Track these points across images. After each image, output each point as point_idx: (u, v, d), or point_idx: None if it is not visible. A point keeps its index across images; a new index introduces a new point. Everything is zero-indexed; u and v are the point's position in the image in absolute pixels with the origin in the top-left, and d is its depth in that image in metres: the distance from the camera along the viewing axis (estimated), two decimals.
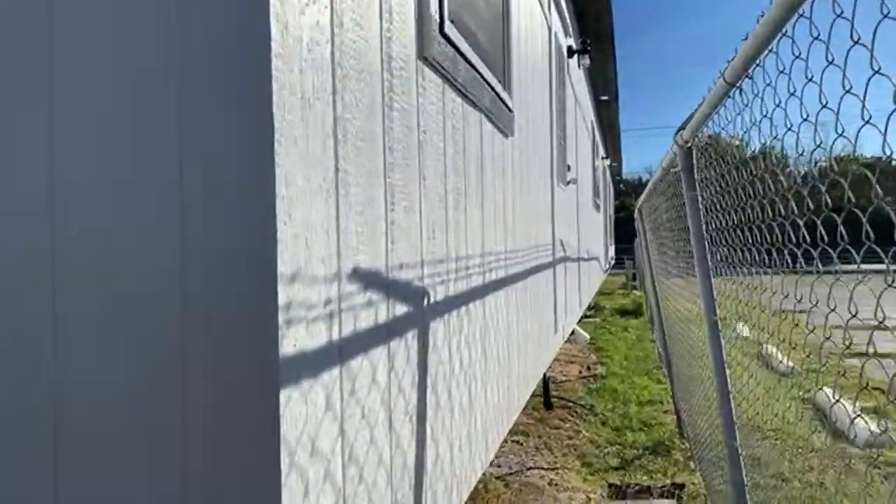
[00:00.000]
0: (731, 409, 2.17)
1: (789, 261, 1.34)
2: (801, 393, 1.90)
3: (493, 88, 2.40)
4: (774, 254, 1.41)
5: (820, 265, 1.18)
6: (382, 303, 1.35)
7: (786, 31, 1.13)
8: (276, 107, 0.95)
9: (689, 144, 2.22)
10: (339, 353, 1.15)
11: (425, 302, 1.63)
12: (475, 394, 2.12)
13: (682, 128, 2.29)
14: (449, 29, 1.81)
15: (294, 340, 0.98)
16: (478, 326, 2.17)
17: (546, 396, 4.57)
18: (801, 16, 1.05)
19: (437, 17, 1.72)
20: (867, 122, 0.87)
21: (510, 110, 2.77)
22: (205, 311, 0.96)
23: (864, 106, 0.87)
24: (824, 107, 1.00)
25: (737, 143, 1.78)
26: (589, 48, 5.99)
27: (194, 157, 0.98)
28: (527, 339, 3.24)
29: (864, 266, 1.00)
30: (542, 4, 4.10)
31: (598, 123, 11.15)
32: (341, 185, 1.18)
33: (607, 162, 14.20)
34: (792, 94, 1.10)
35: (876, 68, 0.80)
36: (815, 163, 1.18)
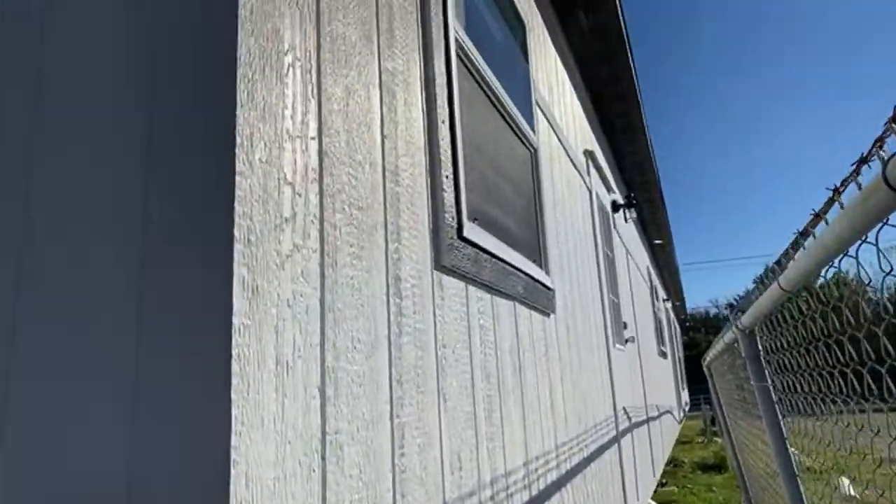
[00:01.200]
0: None
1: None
2: None
3: (526, 274, 2.26)
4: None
5: None
6: None
7: (847, 251, 0.94)
8: (234, 391, 0.81)
9: (752, 330, 1.97)
10: None
11: None
12: None
13: (741, 310, 2.06)
14: (469, 231, 1.71)
15: None
16: None
17: None
18: (865, 241, 0.87)
19: (454, 223, 1.62)
20: None
21: (548, 288, 2.61)
22: None
23: None
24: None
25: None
26: (635, 201, 5.94)
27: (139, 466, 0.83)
28: None
29: None
30: (577, 169, 4.09)
31: (654, 267, 10.90)
32: (330, 452, 1.00)
33: (669, 304, 13.71)
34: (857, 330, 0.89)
35: None
36: None
